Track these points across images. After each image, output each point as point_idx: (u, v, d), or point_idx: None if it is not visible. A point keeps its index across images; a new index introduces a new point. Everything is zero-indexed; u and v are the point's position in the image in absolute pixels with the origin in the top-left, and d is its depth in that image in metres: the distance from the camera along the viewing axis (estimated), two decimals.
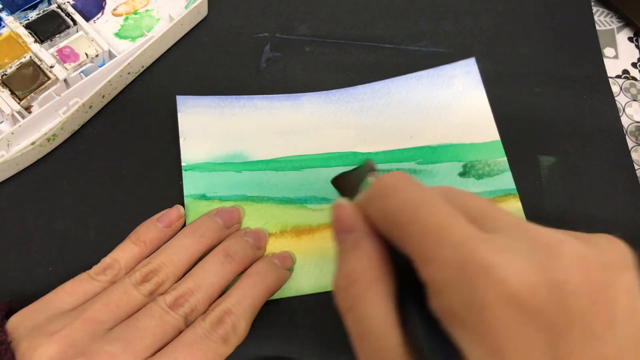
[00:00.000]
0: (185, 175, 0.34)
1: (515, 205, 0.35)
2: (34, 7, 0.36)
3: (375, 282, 0.19)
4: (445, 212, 0.18)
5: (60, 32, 0.35)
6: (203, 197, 0.33)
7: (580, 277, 0.16)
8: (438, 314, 0.18)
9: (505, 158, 0.36)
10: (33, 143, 0.32)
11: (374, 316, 0.19)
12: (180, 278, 0.28)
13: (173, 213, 0.31)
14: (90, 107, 0.35)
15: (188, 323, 0.27)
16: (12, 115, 0.33)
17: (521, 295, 0.16)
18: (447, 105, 0.37)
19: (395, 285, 0.20)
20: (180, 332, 0.26)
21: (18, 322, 0.26)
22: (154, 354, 0.25)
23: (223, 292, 0.29)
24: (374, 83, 0.38)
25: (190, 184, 0.33)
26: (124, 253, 0.29)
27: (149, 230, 0.30)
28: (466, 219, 0.18)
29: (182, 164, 0.34)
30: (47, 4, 0.36)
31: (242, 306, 0.27)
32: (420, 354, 0.18)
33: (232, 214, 0.32)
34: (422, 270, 0.18)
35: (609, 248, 0.18)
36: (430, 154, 0.36)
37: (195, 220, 0.31)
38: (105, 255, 0.29)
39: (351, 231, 0.21)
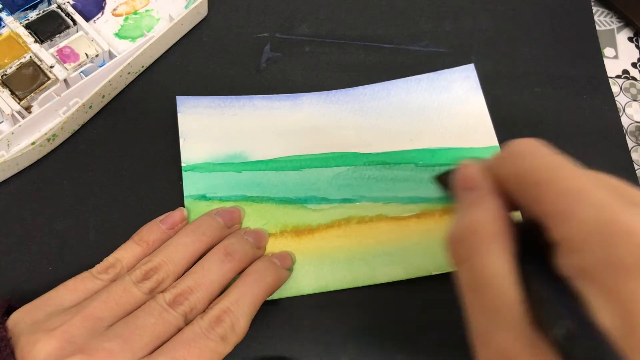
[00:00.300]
0: (185, 175, 0.34)
1: None
2: (34, 7, 0.36)
3: (498, 235, 0.19)
4: (585, 177, 0.18)
5: (60, 32, 0.35)
6: (203, 197, 0.33)
7: None
8: (568, 272, 0.17)
9: None
10: (33, 143, 0.32)
11: (494, 269, 0.18)
12: (181, 276, 0.28)
13: (176, 215, 0.31)
14: (90, 107, 0.35)
15: (187, 321, 0.27)
16: (12, 115, 0.33)
17: None
18: (447, 109, 0.37)
19: (516, 246, 0.19)
20: (180, 330, 0.26)
21: (19, 318, 0.26)
22: (152, 351, 0.25)
23: (223, 290, 0.29)
24: (373, 84, 0.38)
25: (190, 185, 0.33)
26: (126, 253, 0.29)
27: (152, 231, 0.31)
28: (605, 189, 0.18)
29: (182, 164, 0.34)
30: (47, 4, 0.36)
31: (241, 305, 0.27)
32: (540, 313, 0.17)
33: (232, 214, 0.32)
34: (556, 227, 0.18)
35: None
36: (430, 157, 0.36)
37: (196, 219, 0.31)
38: (104, 255, 0.30)
39: (476, 189, 0.21)
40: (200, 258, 0.29)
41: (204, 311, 0.27)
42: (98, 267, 0.29)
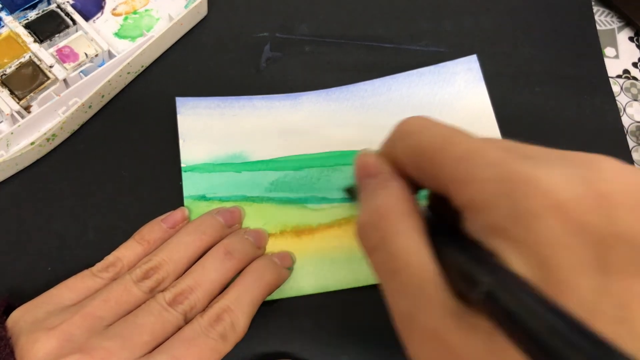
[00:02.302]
0: (185, 176, 0.34)
1: None
2: (33, 6, 0.36)
3: (406, 215, 0.19)
4: (476, 139, 0.18)
5: (59, 32, 0.35)
6: (203, 197, 0.33)
7: (623, 189, 0.16)
8: (478, 234, 0.17)
9: None
10: (32, 143, 0.32)
11: (408, 248, 0.18)
12: (181, 275, 0.28)
13: (178, 214, 0.32)
14: (90, 107, 0.35)
15: (187, 320, 0.27)
16: (12, 115, 0.33)
17: (568, 206, 0.15)
18: (449, 102, 0.37)
19: (426, 223, 0.19)
20: (180, 329, 0.26)
21: (19, 317, 0.26)
22: (152, 350, 0.25)
23: (223, 289, 0.29)
24: (374, 80, 0.38)
25: (190, 185, 0.33)
26: (127, 251, 0.29)
27: (153, 230, 0.31)
28: (498, 147, 0.18)
29: (182, 165, 0.34)
30: (46, 3, 0.36)
31: (241, 303, 0.27)
32: (460, 283, 0.17)
33: (233, 213, 0.32)
34: (458, 193, 0.17)
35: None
36: None
37: (197, 218, 0.31)
38: (103, 255, 0.29)
39: (377, 175, 0.21)
40: (201, 257, 0.29)
41: (203, 310, 0.27)
42: (98, 266, 0.29)
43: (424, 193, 0.22)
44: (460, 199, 0.17)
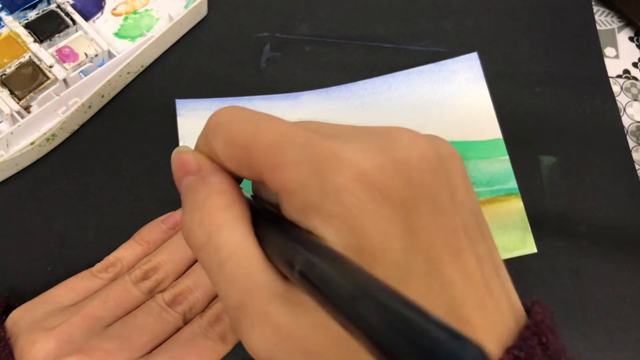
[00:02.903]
0: None
1: (517, 205, 0.35)
2: (33, 6, 0.36)
3: (230, 207, 0.19)
4: (284, 124, 0.18)
5: (59, 32, 0.35)
6: None
7: (419, 155, 0.17)
8: (295, 215, 0.17)
9: (507, 157, 0.36)
10: (32, 143, 0.32)
11: (232, 240, 0.18)
12: (181, 276, 0.28)
13: (178, 215, 0.32)
14: (90, 107, 0.35)
15: (186, 321, 0.27)
16: (12, 115, 0.33)
17: (371, 174, 0.16)
18: (449, 101, 0.37)
19: (249, 213, 0.20)
20: (179, 330, 0.26)
21: (18, 317, 0.26)
22: (151, 351, 0.25)
23: None
24: (374, 78, 0.38)
25: None
26: (126, 252, 0.29)
27: (153, 231, 0.31)
28: (305, 129, 0.18)
29: None
30: (46, 3, 0.36)
31: None
32: (283, 265, 0.17)
33: None
34: (271, 179, 0.18)
35: (438, 139, 0.19)
36: None
37: None
38: (103, 255, 0.29)
39: (196, 172, 0.21)
40: None
41: (203, 311, 0.27)
42: (98, 266, 0.29)
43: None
44: (275, 184, 0.18)
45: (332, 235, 0.16)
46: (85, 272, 0.28)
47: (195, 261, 0.29)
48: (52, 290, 0.27)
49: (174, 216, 0.31)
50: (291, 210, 0.17)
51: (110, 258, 0.29)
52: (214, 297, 0.28)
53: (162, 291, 0.27)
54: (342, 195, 0.16)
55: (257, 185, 0.21)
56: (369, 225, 0.16)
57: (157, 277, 0.28)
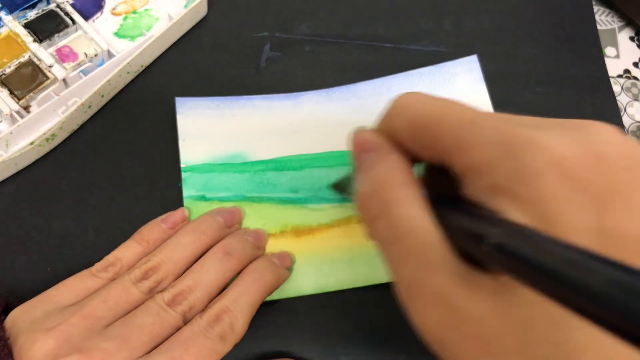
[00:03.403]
0: (185, 176, 0.33)
1: None
2: (32, 6, 0.36)
3: (407, 184, 0.19)
4: (472, 109, 0.19)
5: (59, 32, 0.35)
6: (202, 198, 0.33)
7: (619, 151, 0.17)
8: (480, 195, 0.17)
9: None
10: (32, 143, 0.32)
11: (410, 215, 0.18)
12: (180, 275, 0.28)
13: (178, 215, 0.32)
14: (90, 106, 0.35)
15: (186, 321, 0.27)
16: (11, 115, 0.33)
17: (568, 163, 0.16)
18: None
19: (426, 192, 0.20)
20: (178, 329, 0.26)
21: (17, 316, 0.26)
22: (150, 351, 0.25)
23: (223, 290, 0.29)
24: (374, 80, 0.37)
25: (190, 185, 0.33)
26: (126, 251, 0.29)
27: (153, 230, 0.31)
28: (494, 117, 0.18)
29: (181, 165, 0.34)
30: (46, 3, 0.36)
31: (240, 304, 0.27)
32: (465, 243, 0.17)
33: (233, 213, 0.32)
34: (458, 159, 0.18)
35: (634, 140, 0.19)
36: None
37: (197, 218, 0.31)
38: (103, 255, 0.29)
39: (375, 149, 0.21)
40: (201, 257, 0.29)
41: (202, 311, 0.27)
42: (98, 266, 0.29)
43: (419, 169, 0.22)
44: (461, 164, 0.18)
45: (521, 217, 0.16)
46: (85, 272, 0.28)
47: (195, 261, 0.29)
48: (51, 290, 0.27)
49: (173, 216, 0.31)
50: (476, 190, 0.17)
51: (109, 257, 0.29)
52: (214, 297, 0.28)
53: (161, 291, 0.27)
54: (538, 180, 0.16)
55: (431, 169, 0.22)
56: (562, 214, 0.16)
57: (157, 277, 0.28)
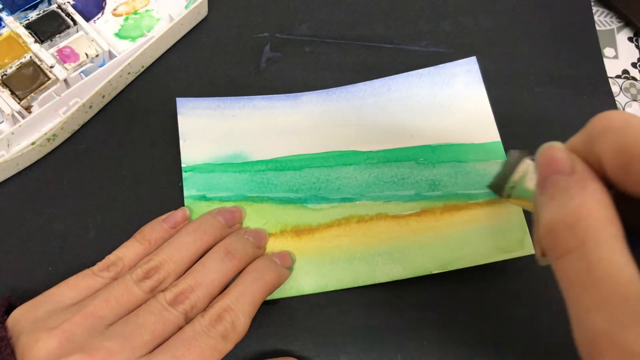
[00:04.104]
0: (185, 176, 0.34)
1: (515, 207, 0.35)
2: (34, 7, 0.36)
3: (610, 221, 0.17)
4: None
5: (60, 32, 0.35)
6: (203, 197, 0.33)
7: None
8: None
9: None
10: (33, 143, 0.32)
11: (611, 260, 0.16)
12: (182, 275, 0.29)
13: (179, 214, 0.32)
14: (90, 107, 0.35)
15: (188, 320, 0.27)
16: (12, 115, 0.33)
17: None
18: (448, 104, 0.37)
19: (624, 231, 0.17)
20: (180, 328, 0.26)
21: (20, 315, 0.26)
22: (153, 350, 0.25)
23: (224, 289, 0.29)
24: (374, 80, 0.38)
25: (190, 185, 0.33)
26: (128, 251, 0.29)
27: (154, 230, 0.31)
28: None
29: (182, 165, 0.34)
30: (47, 4, 0.36)
31: (241, 303, 0.27)
32: None
33: (233, 213, 0.32)
34: None
35: None
36: (430, 153, 0.35)
37: (198, 218, 0.31)
38: (104, 255, 0.29)
39: (570, 172, 0.19)
40: (202, 256, 0.29)
41: (204, 310, 0.27)
42: (99, 265, 0.29)
43: None
44: None
45: None
46: (87, 271, 0.28)
47: (197, 260, 0.29)
48: (53, 289, 0.27)
49: (174, 215, 0.32)
50: None
51: (111, 257, 0.29)
52: (216, 296, 0.28)
53: (163, 290, 0.27)
54: None
55: (626, 200, 0.19)
56: None
57: (159, 276, 0.28)
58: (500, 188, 0.25)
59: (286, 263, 0.32)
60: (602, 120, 0.19)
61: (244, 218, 0.33)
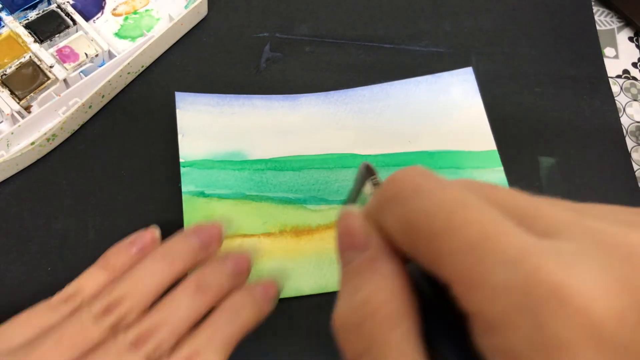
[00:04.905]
0: (183, 171, 0.34)
1: None
2: (33, 7, 0.36)
3: (400, 318, 0.15)
4: (488, 216, 0.14)
5: (59, 32, 0.35)
6: (201, 194, 0.33)
7: None
8: (490, 355, 0.13)
9: (502, 168, 0.36)
10: (32, 143, 0.32)
11: None
12: (147, 308, 0.26)
13: (147, 237, 0.28)
14: (90, 107, 0.35)
15: None
16: (12, 115, 0.33)
17: (607, 328, 0.12)
18: (445, 112, 0.37)
19: (421, 320, 0.15)
20: None
21: None
22: None
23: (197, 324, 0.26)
24: (372, 86, 0.38)
25: (189, 181, 0.33)
26: (89, 280, 0.26)
27: (120, 254, 0.28)
28: (514, 222, 0.14)
29: (180, 160, 0.34)
30: (46, 3, 0.36)
31: (213, 344, 0.25)
32: None
33: (211, 231, 0.28)
34: (466, 298, 0.13)
35: None
36: (428, 160, 0.36)
37: (169, 241, 0.28)
38: None
39: (364, 248, 0.17)
40: (173, 286, 0.27)
41: (171, 352, 0.24)
42: (57, 297, 0.26)
43: None
44: (468, 305, 0.13)
45: None
46: (43, 304, 0.26)
47: (164, 293, 0.26)
48: (2, 326, 0.25)
49: (142, 237, 0.28)
50: (487, 345, 0.13)
51: (70, 287, 0.26)
52: (184, 334, 0.25)
53: (125, 327, 0.24)
54: (565, 356, 0.12)
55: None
56: None
57: (120, 311, 0.25)
58: (352, 201, 0.23)
59: (270, 294, 0.28)
60: (392, 184, 0.16)
61: (224, 235, 0.29)
